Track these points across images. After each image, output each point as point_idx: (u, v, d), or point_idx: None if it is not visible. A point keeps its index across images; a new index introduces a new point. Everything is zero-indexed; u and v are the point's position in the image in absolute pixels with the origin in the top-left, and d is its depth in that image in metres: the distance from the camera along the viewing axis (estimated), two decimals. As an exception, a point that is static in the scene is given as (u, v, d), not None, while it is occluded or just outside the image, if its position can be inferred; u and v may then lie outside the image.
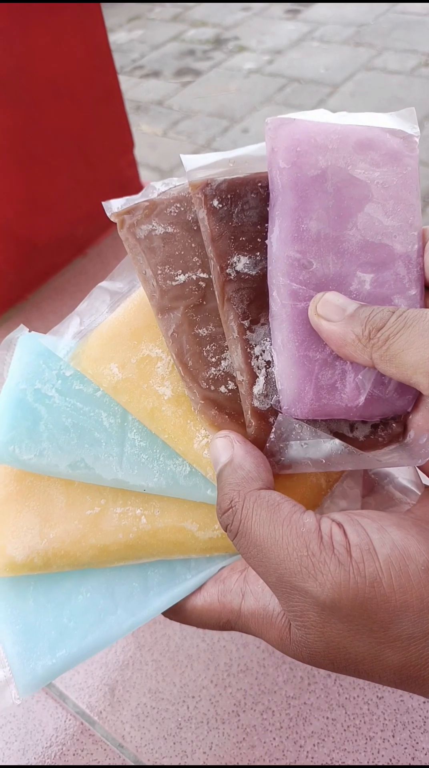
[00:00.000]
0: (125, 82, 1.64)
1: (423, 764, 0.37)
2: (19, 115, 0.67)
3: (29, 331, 0.31)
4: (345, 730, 0.39)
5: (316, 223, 0.25)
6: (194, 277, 0.27)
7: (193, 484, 0.27)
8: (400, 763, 0.37)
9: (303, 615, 0.21)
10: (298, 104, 1.45)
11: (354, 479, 0.29)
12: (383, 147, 0.26)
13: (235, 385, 0.26)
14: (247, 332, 0.25)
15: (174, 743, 0.39)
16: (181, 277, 0.27)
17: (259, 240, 0.26)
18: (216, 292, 0.26)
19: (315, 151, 0.25)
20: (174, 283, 0.27)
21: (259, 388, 0.25)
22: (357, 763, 0.37)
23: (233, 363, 0.26)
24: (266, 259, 0.26)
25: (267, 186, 0.26)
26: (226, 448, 0.24)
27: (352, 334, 0.23)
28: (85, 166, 0.77)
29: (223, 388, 0.26)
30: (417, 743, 0.38)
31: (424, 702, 0.39)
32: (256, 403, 0.25)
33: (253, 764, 0.38)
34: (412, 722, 0.39)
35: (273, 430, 0.24)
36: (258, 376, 0.25)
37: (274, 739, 0.39)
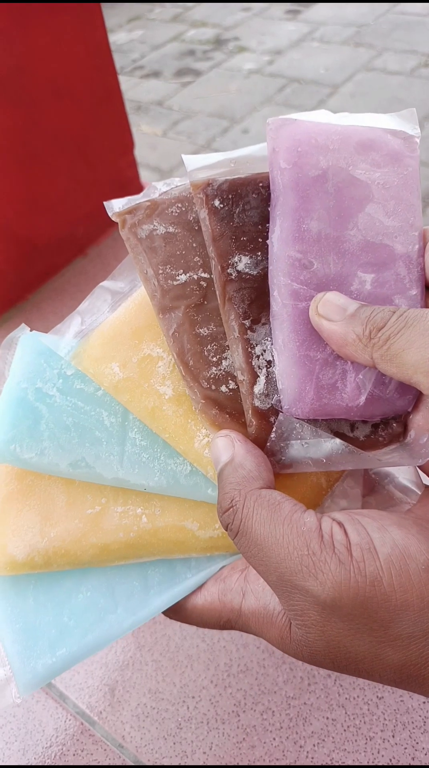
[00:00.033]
0: (125, 83, 1.64)
1: (423, 764, 0.37)
2: (19, 115, 0.67)
3: (30, 330, 0.31)
4: (345, 731, 0.39)
5: (317, 223, 0.25)
6: (195, 276, 0.27)
7: (193, 484, 0.27)
8: (400, 763, 0.37)
9: (303, 614, 0.21)
10: (298, 105, 1.45)
11: (354, 479, 0.29)
12: (384, 147, 0.26)
13: (236, 384, 0.26)
14: (248, 332, 0.25)
15: (174, 743, 0.39)
16: (183, 277, 0.27)
17: (260, 240, 0.26)
18: (217, 292, 0.26)
19: (316, 151, 0.26)
20: (175, 283, 0.27)
21: (259, 387, 0.25)
22: (357, 763, 0.37)
23: (234, 362, 0.26)
24: (267, 259, 0.26)
25: (268, 186, 0.26)
26: (227, 447, 0.24)
27: (352, 334, 0.23)
28: (85, 166, 0.77)
29: (223, 388, 0.26)
30: (417, 743, 0.38)
31: (424, 702, 0.39)
32: (257, 403, 0.25)
33: (253, 764, 0.38)
34: (412, 722, 0.39)
35: (274, 430, 0.24)
36: (259, 376, 0.25)
37: (274, 739, 0.39)
